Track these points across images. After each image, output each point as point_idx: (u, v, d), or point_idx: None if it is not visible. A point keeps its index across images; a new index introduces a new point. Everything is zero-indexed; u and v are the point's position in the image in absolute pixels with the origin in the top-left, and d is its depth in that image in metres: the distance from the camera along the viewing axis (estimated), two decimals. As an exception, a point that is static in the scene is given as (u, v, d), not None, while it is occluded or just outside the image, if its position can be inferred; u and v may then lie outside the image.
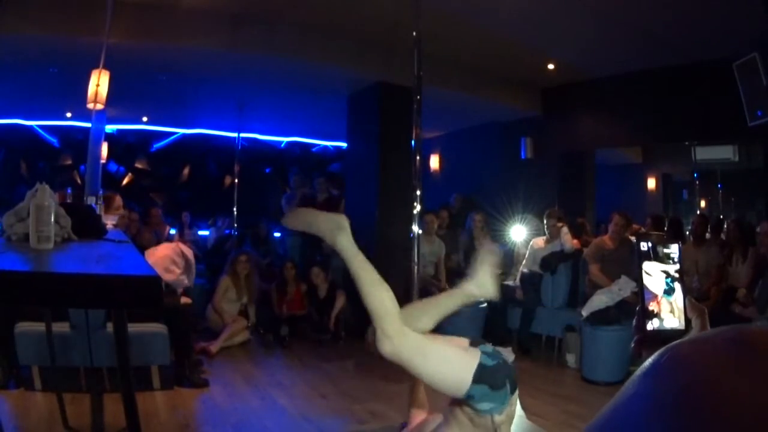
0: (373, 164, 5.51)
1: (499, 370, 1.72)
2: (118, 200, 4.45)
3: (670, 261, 0.68)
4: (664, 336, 0.64)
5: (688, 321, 0.66)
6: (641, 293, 0.66)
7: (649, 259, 0.67)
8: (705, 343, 0.37)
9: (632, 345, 0.66)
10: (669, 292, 0.67)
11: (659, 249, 0.68)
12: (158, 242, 5.44)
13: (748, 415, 0.31)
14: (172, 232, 6.91)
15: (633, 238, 4.96)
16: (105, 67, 4.33)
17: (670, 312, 0.66)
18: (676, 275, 0.68)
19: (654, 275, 0.67)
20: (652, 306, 0.66)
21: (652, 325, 0.65)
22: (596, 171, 7.29)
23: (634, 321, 0.67)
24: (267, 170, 9.36)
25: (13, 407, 3.29)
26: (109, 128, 7.63)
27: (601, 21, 4.74)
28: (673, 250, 0.69)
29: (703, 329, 0.66)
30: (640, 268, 0.67)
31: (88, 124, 5.58)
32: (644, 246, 0.68)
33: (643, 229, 5.61)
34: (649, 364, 0.37)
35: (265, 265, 6.60)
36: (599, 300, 4.37)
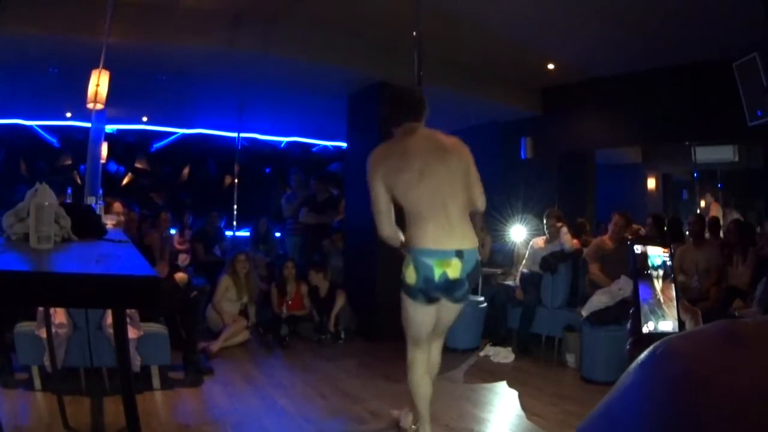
0: (373, 164, 5.48)
1: None
2: (118, 206, 4.46)
3: (663, 264, 0.68)
4: (658, 339, 0.64)
5: (681, 323, 0.65)
6: (636, 296, 0.66)
7: (644, 262, 0.67)
8: (698, 336, 0.38)
9: (627, 347, 0.66)
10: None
11: (652, 252, 0.68)
12: (163, 243, 5.48)
13: (739, 404, 0.31)
14: (173, 231, 6.91)
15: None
16: (105, 67, 4.33)
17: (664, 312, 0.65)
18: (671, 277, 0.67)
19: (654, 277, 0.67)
20: (654, 306, 0.65)
21: (647, 328, 0.64)
22: (596, 171, 7.29)
23: (628, 324, 0.67)
24: (267, 170, 9.36)
25: (13, 407, 3.29)
26: (109, 128, 7.63)
27: (600, 21, 4.74)
28: (666, 253, 0.68)
29: None
30: (635, 271, 0.67)
31: (88, 124, 5.57)
32: (638, 249, 0.68)
33: (643, 230, 5.61)
34: (644, 357, 0.38)
35: (265, 264, 6.60)
36: (599, 300, 4.37)
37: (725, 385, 0.32)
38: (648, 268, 0.67)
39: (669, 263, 0.69)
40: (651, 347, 0.38)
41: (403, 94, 2.78)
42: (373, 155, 2.66)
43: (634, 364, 0.39)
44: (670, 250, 0.69)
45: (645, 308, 0.65)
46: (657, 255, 0.68)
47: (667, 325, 0.65)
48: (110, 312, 1.35)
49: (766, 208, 7.14)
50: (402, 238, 2.67)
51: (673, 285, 0.67)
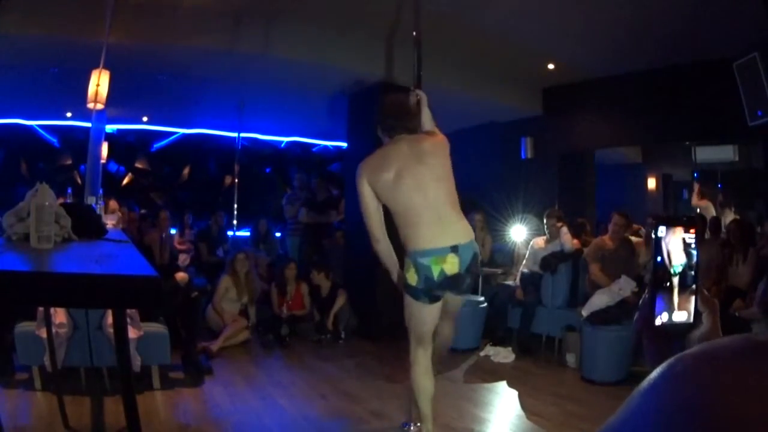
0: (373, 164, 5.48)
1: None
2: (113, 204, 4.48)
3: (688, 248, 0.64)
4: (671, 329, 0.62)
5: (698, 314, 0.62)
6: (652, 282, 0.62)
7: (664, 275, 0.62)
8: (713, 356, 0.37)
9: (634, 323, 0.63)
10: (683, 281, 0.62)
11: (677, 234, 0.63)
12: (163, 243, 5.49)
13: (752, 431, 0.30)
14: (173, 231, 6.92)
15: (633, 238, 4.98)
16: (105, 67, 4.33)
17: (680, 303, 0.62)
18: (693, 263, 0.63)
19: (675, 252, 0.62)
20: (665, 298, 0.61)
21: (661, 319, 0.61)
22: (596, 171, 7.29)
23: (639, 307, 0.63)
24: (267, 170, 9.36)
25: (13, 407, 3.29)
26: (109, 128, 7.62)
27: (601, 21, 4.74)
28: (691, 236, 0.64)
29: (714, 327, 0.63)
30: (656, 250, 0.63)
31: (88, 124, 5.58)
32: (662, 231, 0.63)
33: (643, 230, 5.61)
34: (657, 376, 0.37)
35: (266, 264, 6.60)
36: (599, 300, 4.37)
37: (738, 412, 0.31)
38: (668, 279, 0.63)
39: (693, 246, 0.64)
40: (664, 365, 0.37)
41: (395, 104, 2.73)
42: (360, 164, 2.66)
43: (646, 383, 0.37)
44: (696, 232, 0.64)
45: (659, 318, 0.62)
46: (681, 237, 0.63)
47: (682, 315, 0.62)
48: (110, 312, 1.35)
49: (766, 208, 7.13)
50: (396, 266, 2.67)
51: (694, 291, 0.63)
